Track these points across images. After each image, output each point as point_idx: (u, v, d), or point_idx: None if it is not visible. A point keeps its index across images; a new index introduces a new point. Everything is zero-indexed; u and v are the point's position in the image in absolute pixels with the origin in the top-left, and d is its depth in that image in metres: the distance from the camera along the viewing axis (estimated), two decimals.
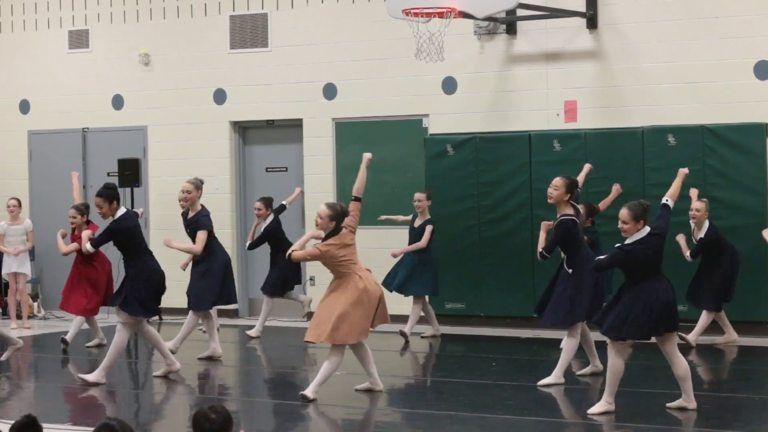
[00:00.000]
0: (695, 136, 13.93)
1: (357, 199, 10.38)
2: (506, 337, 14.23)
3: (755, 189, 13.24)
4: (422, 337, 14.08)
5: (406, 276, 13.96)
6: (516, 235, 14.68)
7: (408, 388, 11.56)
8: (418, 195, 14.15)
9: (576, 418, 9.76)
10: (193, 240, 12.53)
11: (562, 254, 10.89)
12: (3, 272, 16.23)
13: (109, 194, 11.35)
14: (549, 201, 10.97)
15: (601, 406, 9.44)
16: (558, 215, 10.85)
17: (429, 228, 13.99)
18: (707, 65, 14.08)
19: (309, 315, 14.57)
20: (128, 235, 11.29)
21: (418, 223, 14.10)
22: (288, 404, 10.68)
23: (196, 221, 12.51)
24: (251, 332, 14.56)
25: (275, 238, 14.47)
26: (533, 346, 13.59)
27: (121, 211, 11.35)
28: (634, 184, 13.98)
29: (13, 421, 4.99)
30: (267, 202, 14.64)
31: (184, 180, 16.51)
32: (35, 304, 17.15)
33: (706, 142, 13.89)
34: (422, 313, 14.13)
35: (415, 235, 14.04)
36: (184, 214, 12.79)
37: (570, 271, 10.72)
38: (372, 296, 10.13)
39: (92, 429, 5.02)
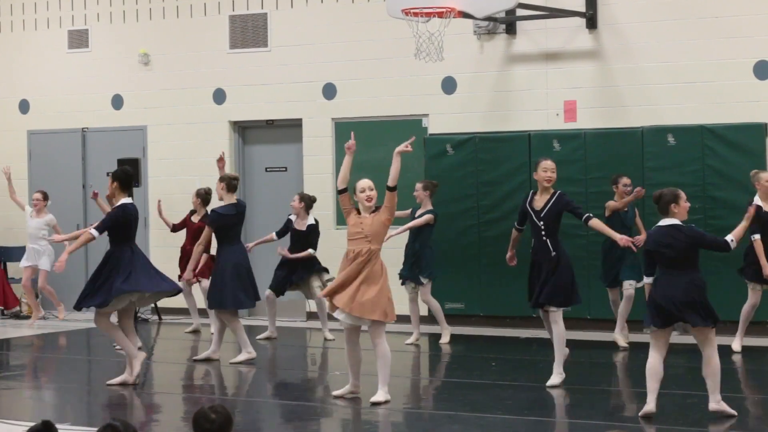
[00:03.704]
0: (695, 136, 13.94)
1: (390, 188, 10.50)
2: (506, 337, 14.23)
3: (755, 189, 13.23)
4: (407, 343, 13.77)
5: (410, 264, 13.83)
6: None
7: (408, 388, 11.57)
8: (416, 185, 14.00)
9: (575, 418, 9.76)
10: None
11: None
12: (21, 264, 16.41)
13: (116, 174, 11.53)
14: (548, 184, 11.07)
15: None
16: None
17: (427, 216, 13.69)
18: (707, 65, 14.08)
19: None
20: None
21: (419, 213, 13.84)
22: (288, 404, 10.69)
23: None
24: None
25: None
26: (533, 346, 13.60)
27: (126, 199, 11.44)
28: (634, 183, 13.96)
29: (15, 422, 5.00)
30: (302, 198, 14.39)
31: (184, 180, 16.65)
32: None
33: (705, 142, 13.90)
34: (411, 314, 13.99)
35: (417, 227, 13.73)
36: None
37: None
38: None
39: (95, 429, 5.03)
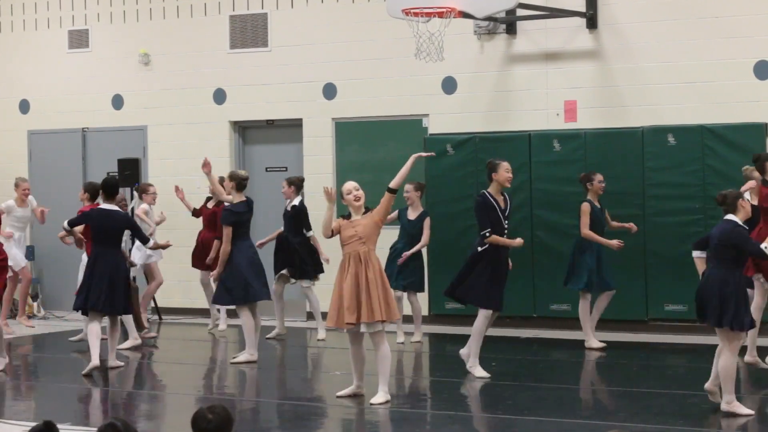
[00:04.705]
0: (695, 136, 13.95)
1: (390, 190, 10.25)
2: (506, 337, 14.22)
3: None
4: (398, 343, 13.70)
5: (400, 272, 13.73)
6: (516, 234, 14.58)
7: (408, 388, 11.57)
8: (407, 186, 13.81)
9: (576, 418, 9.76)
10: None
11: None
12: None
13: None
14: (508, 185, 11.38)
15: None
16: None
17: (428, 220, 13.61)
18: (707, 65, 14.08)
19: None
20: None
21: (412, 215, 13.68)
22: (288, 404, 10.69)
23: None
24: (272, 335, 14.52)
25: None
26: (533, 346, 13.60)
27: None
28: (634, 183, 14.01)
29: (15, 422, 4.99)
30: (290, 181, 14.35)
31: (183, 180, 16.64)
32: (35, 304, 17.14)
33: (705, 142, 13.90)
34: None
35: (411, 227, 13.65)
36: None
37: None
38: (348, 286, 10.07)
39: (95, 429, 5.03)
